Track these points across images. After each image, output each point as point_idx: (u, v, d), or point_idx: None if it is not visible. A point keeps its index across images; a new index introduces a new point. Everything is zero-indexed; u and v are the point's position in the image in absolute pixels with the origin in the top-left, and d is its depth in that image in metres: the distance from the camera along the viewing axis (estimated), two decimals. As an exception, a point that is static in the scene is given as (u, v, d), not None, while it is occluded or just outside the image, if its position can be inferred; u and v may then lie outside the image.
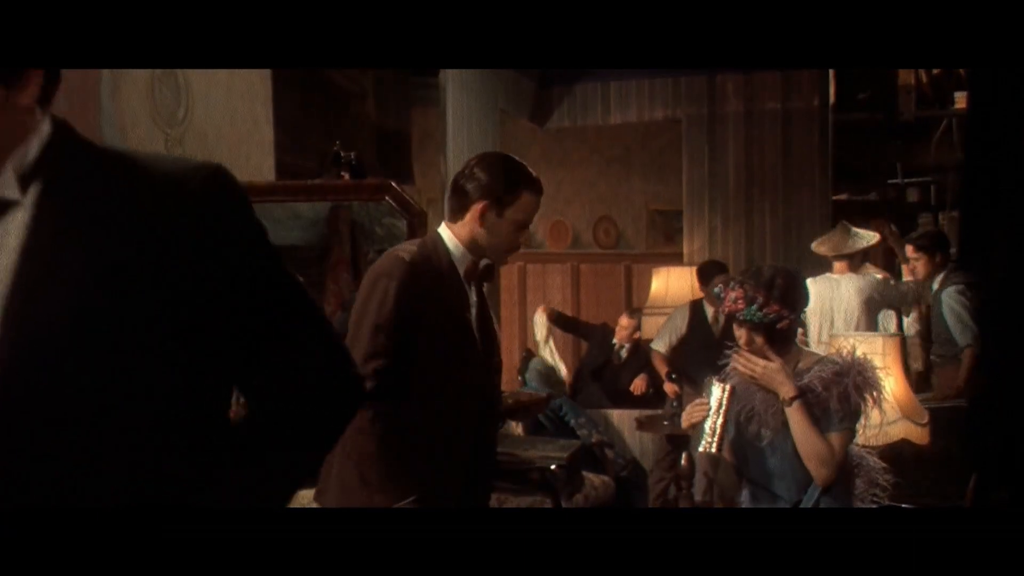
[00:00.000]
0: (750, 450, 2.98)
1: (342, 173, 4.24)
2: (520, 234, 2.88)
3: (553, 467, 5.28)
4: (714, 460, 3.06)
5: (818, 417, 2.87)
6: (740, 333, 2.98)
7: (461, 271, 2.82)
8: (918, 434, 3.82)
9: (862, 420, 2.98)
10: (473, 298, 2.87)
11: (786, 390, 2.87)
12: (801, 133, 7.23)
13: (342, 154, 4.22)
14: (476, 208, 2.79)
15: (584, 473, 5.72)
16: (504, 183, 2.81)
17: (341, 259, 4.83)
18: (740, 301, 2.93)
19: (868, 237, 6.00)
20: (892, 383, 3.49)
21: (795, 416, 2.85)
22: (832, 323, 5.85)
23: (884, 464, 3.20)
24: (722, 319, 6.28)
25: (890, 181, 8.72)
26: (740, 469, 3.05)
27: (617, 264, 8.53)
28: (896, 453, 3.63)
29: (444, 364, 2.76)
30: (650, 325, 6.87)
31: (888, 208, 8.55)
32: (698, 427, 2.95)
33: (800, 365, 2.98)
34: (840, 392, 2.86)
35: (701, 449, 2.93)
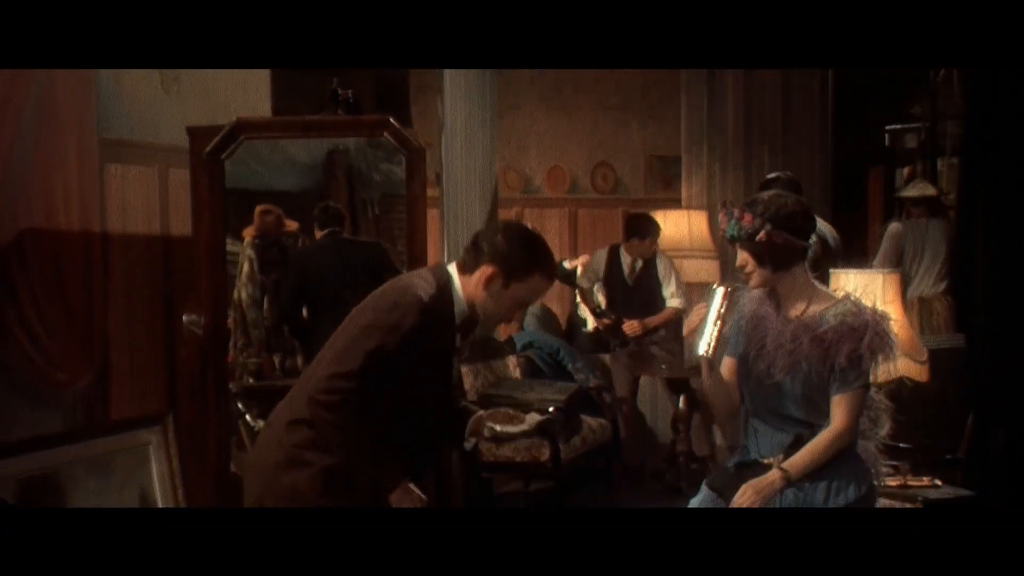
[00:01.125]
0: (756, 385, 2.96)
1: (339, 111, 4.21)
2: (518, 310, 2.88)
3: (551, 409, 5.30)
4: (710, 365, 3.04)
5: (824, 377, 2.86)
6: (738, 257, 2.96)
7: (457, 322, 2.81)
8: (917, 371, 3.86)
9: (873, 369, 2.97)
10: (457, 345, 2.88)
11: (775, 481, 2.87)
12: (801, 79, 7.18)
13: (339, 92, 4.18)
14: (485, 271, 2.76)
15: (582, 416, 5.74)
16: (520, 257, 2.77)
17: (338, 204, 4.81)
18: (724, 220, 2.93)
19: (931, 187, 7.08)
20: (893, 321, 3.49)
21: (799, 468, 2.87)
22: (921, 261, 6.64)
23: (890, 403, 3.22)
24: (638, 267, 6.46)
25: (888, 127, 8.70)
26: (744, 399, 3.04)
27: (615, 209, 8.48)
28: (896, 391, 3.65)
29: (416, 397, 2.77)
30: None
31: (887, 154, 8.54)
32: (697, 331, 2.94)
33: (812, 307, 2.93)
34: (851, 351, 2.84)
35: (701, 352, 2.95)
